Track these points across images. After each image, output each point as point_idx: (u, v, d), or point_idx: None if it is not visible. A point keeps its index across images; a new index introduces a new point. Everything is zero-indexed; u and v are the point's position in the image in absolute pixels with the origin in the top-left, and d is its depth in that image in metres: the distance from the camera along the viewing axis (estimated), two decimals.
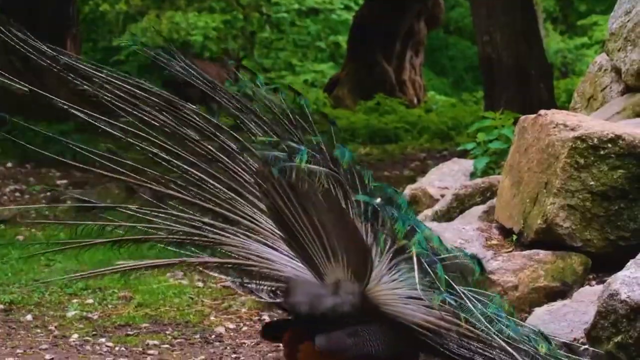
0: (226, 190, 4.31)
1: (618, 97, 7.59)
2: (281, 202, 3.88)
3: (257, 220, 4.24)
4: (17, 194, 11.63)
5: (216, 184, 4.31)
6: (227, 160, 4.32)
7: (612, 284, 4.63)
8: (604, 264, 5.71)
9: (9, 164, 12.92)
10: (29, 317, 6.69)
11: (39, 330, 6.47)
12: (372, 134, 18.60)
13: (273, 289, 4.28)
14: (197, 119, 4.35)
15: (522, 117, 6.36)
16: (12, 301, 6.96)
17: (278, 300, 4.23)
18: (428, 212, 7.59)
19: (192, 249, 4.40)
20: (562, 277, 5.76)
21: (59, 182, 11.61)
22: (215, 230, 4.30)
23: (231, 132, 4.35)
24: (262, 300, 4.35)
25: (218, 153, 4.33)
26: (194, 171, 4.33)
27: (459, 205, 7.36)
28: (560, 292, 5.73)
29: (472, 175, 8.31)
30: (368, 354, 3.98)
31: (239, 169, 4.31)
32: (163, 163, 4.36)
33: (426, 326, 4.03)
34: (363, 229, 4.05)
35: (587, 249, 5.82)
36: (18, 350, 6.06)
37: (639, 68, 7.25)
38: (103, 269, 4.62)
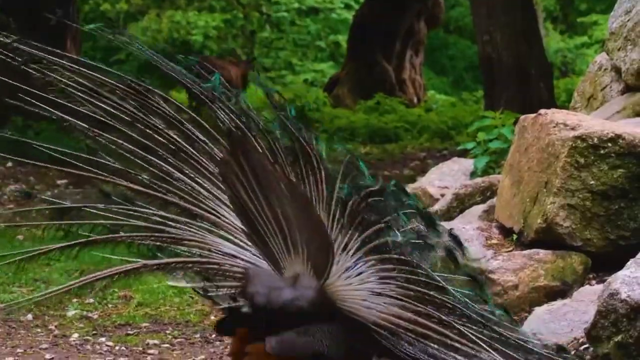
0: (190, 183, 4.18)
1: (618, 97, 7.59)
2: (244, 193, 3.80)
3: (220, 214, 4.15)
4: (17, 193, 11.63)
5: (180, 176, 4.18)
6: (192, 150, 4.19)
7: (612, 283, 4.63)
8: (604, 263, 5.71)
9: (9, 164, 12.93)
10: (29, 316, 6.69)
11: (39, 330, 6.47)
12: (372, 133, 18.60)
13: (233, 292, 4.18)
14: (164, 105, 4.20)
15: (522, 117, 6.36)
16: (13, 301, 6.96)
17: (238, 303, 4.13)
18: None
19: (155, 248, 4.27)
20: (562, 277, 5.76)
21: (59, 182, 11.61)
22: (178, 225, 4.17)
23: (197, 117, 4.19)
24: (222, 307, 4.24)
25: (183, 143, 4.19)
26: (160, 162, 4.21)
27: (459, 205, 7.36)
28: (560, 291, 5.73)
29: (472, 174, 8.31)
30: (319, 352, 3.88)
31: (204, 160, 4.18)
32: (128, 155, 4.24)
33: (383, 325, 3.95)
34: (329, 219, 3.97)
35: (587, 249, 5.82)
36: (18, 350, 6.06)
37: (639, 67, 7.25)
38: (66, 285, 4.44)
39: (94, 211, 4.27)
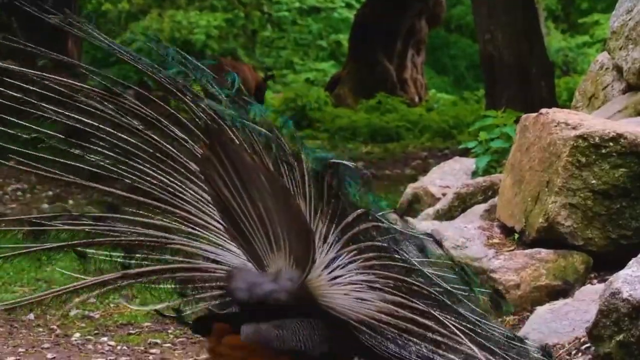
0: (170, 183, 4.05)
1: (619, 96, 7.59)
2: (226, 190, 3.69)
3: (201, 217, 4.01)
4: (19, 193, 11.65)
5: (161, 177, 4.05)
6: (172, 149, 4.05)
7: (613, 282, 4.62)
8: (606, 262, 5.71)
9: (11, 163, 12.91)
10: (31, 316, 6.69)
11: (41, 329, 6.47)
12: (374, 132, 18.61)
13: (212, 304, 4.11)
14: (139, 104, 4.05)
15: (524, 116, 6.36)
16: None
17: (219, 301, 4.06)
18: (430, 210, 7.59)
19: (138, 255, 4.17)
20: (564, 276, 5.76)
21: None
22: (160, 232, 4.06)
23: (175, 112, 4.05)
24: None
25: (161, 141, 4.05)
26: (140, 166, 4.05)
27: (460, 204, 7.36)
28: (562, 290, 5.73)
29: (474, 174, 8.31)
30: (296, 349, 3.81)
31: (184, 159, 4.04)
32: (107, 161, 4.14)
33: (364, 321, 3.85)
34: (308, 209, 3.84)
35: (588, 248, 5.82)
36: (20, 349, 6.06)
37: None
38: (41, 294, 4.41)
39: (68, 227, 4.19)
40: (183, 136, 4.06)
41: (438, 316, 3.89)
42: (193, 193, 4.05)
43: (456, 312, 3.94)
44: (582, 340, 4.97)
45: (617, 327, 4.56)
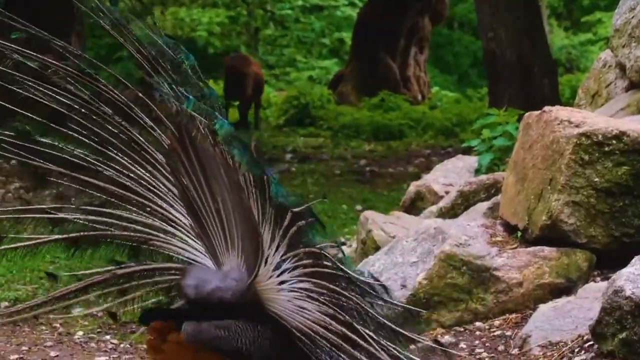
0: (144, 177, 3.99)
1: (622, 94, 7.59)
2: (190, 184, 3.64)
3: (172, 213, 3.96)
4: (22, 191, 11.64)
5: (135, 170, 3.99)
6: (143, 140, 3.98)
7: (616, 280, 4.62)
8: (609, 260, 5.71)
9: (13, 162, 12.91)
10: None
11: (43, 328, 6.47)
12: (377, 130, 18.61)
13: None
14: (112, 88, 4.00)
15: (527, 114, 6.35)
16: (17, 298, 6.96)
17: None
18: (433, 208, 7.59)
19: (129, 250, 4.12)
20: (567, 274, 5.76)
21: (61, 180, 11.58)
22: (141, 227, 4.02)
23: (145, 99, 3.97)
24: None
25: (132, 132, 3.99)
26: (118, 158, 4.00)
27: (463, 202, 7.36)
28: (565, 288, 5.73)
29: (477, 171, 8.31)
30: (237, 350, 3.77)
31: (154, 151, 3.98)
32: (84, 150, 4.07)
33: (303, 330, 3.82)
34: (257, 208, 3.77)
35: (591, 246, 5.81)
36: (23, 348, 6.06)
37: None
38: (35, 301, 4.44)
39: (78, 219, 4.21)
40: (151, 123, 3.97)
41: (363, 332, 3.87)
42: (167, 189, 3.99)
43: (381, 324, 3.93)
44: (585, 338, 4.97)
45: (620, 325, 4.56)
